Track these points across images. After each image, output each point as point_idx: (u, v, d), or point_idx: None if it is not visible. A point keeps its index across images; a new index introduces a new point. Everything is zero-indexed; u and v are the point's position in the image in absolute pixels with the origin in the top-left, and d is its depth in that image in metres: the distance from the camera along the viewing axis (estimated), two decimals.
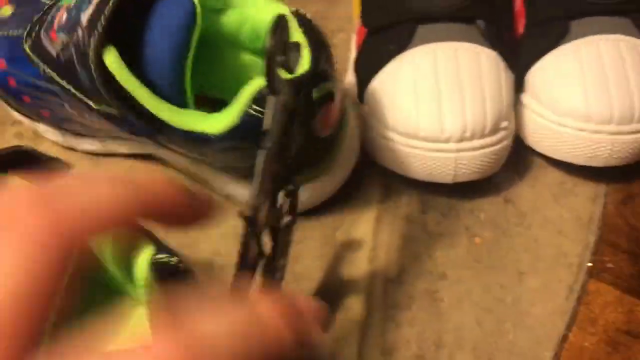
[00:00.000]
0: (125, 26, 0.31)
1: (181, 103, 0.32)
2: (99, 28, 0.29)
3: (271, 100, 0.26)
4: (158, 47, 0.31)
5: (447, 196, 0.38)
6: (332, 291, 0.35)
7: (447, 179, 0.36)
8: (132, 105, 0.31)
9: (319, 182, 0.36)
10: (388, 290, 0.35)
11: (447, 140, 0.35)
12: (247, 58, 0.36)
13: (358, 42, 0.40)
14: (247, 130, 0.30)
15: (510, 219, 0.38)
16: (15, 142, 0.40)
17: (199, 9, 0.31)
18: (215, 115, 0.31)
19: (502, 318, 0.34)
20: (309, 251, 0.36)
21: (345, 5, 0.48)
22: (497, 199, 0.39)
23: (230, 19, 0.34)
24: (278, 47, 0.26)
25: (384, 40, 0.38)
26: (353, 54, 0.41)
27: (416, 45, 0.37)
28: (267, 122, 0.25)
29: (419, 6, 0.37)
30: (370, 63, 0.38)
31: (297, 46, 0.28)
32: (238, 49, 0.36)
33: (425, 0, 0.37)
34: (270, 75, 0.26)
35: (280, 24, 0.27)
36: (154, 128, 0.32)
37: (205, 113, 0.32)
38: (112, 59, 0.30)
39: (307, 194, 0.35)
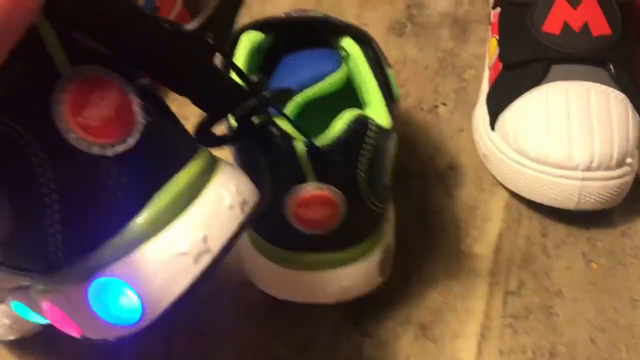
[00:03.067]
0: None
1: None
2: None
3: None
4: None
5: (567, 223, 0.41)
6: (453, 293, 0.38)
7: (570, 205, 0.39)
8: None
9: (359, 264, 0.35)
10: (507, 301, 0.38)
11: (574, 168, 0.38)
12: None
13: (493, 76, 0.44)
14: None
15: (627, 250, 0.40)
16: None
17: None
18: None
19: (615, 338, 0.37)
20: (433, 261, 0.40)
21: (475, 44, 0.52)
22: (614, 231, 0.41)
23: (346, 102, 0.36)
24: None
25: (519, 75, 0.42)
26: (485, 87, 0.45)
27: (550, 81, 0.41)
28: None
29: (555, 47, 0.41)
30: (504, 94, 0.42)
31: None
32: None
33: (561, 43, 0.41)
34: None
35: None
36: None
37: None
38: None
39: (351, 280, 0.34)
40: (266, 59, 0.37)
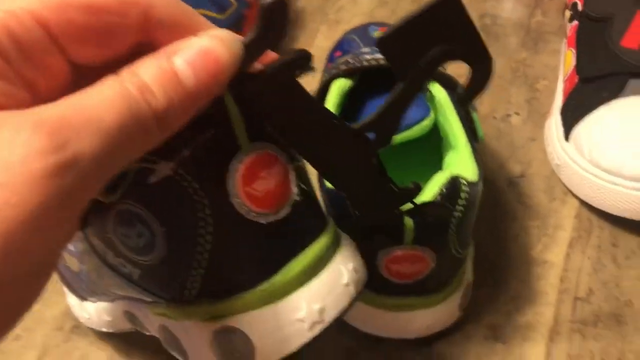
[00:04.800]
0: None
1: None
2: None
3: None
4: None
5: (637, 234, 0.42)
6: (523, 298, 0.40)
7: None
8: None
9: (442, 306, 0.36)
10: (577, 307, 0.39)
11: None
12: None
13: (568, 88, 0.45)
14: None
15: None
16: None
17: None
18: None
19: None
20: (504, 266, 0.41)
21: (547, 55, 0.53)
22: None
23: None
24: None
25: (595, 89, 0.43)
26: (559, 99, 0.46)
27: (627, 95, 0.42)
28: None
29: (634, 62, 0.42)
30: (580, 106, 0.43)
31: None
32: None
33: (639, 58, 0.42)
34: None
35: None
36: None
37: None
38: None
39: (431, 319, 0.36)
40: (350, 100, 0.38)
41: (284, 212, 0.25)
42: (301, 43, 0.55)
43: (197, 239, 0.24)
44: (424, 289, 0.35)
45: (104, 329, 0.36)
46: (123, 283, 0.28)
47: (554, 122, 0.46)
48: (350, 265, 0.27)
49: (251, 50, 0.22)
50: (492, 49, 0.54)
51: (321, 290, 0.26)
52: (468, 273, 0.38)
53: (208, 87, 0.21)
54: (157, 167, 0.23)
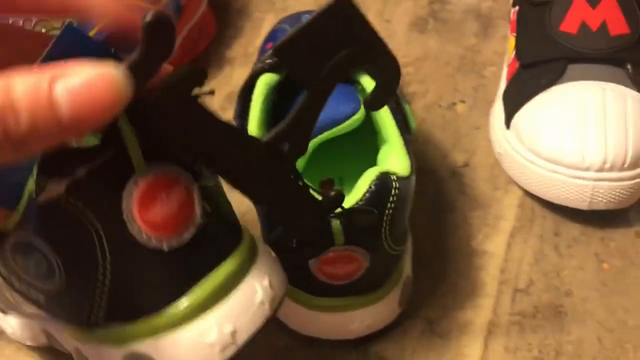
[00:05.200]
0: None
1: None
2: None
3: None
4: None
5: (580, 222, 0.41)
6: (462, 290, 0.39)
7: (583, 205, 0.39)
8: None
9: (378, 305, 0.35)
10: (516, 298, 0.38)
11: (587, 169, 0.38)
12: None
13: (510, 73, 0.44)
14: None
15: None
16: None
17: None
18: None
19: (623, 339, 0.37)
20: (443, 258, 0.40)
21: (497, 41, 0.52)
22: (628, 232, 0.41)
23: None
24: None
25: (535, 74, 0.42)
26: (503, 85, 0.45)
27: (565, 81, 0.41)
28: None
29: (572, 47, 0.41)
30: (520, 93, 0.42)
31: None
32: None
33: (578, 42, 0.41)
34: None
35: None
36: None
37: None
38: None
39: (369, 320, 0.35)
40: (280, 95, 0.37)
41: (187, 235, 0.24)
42: (247, 33, 0.54)
43: (96, 266, 0.24)
44: (361, 288, 0.34)
45: (28, 343, 0.35)
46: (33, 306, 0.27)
47: (498, 110, 0.45)
48: (266, 282, 0.26)
49: (138, 72, 0.21)
50: (441, 36, 0.54)
51: (233, 311, 0.25)
52: (407, 268, 0.37)
53: (83, 121, 0.19)
54: (47, 188, 0.23)
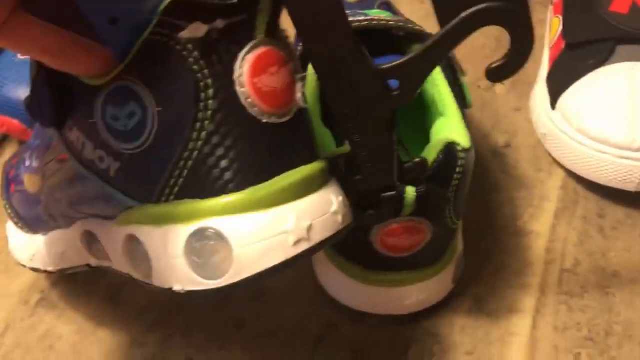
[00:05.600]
0: None
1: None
2: None
3: None
4: None
5: (625, 205, 0.41)
6: (509, 269, 0.39)
7: (630, 187, 0.39)
8: None
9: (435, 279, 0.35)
10: (563, 279, 0.38)
11: (637, 150, 0.38)
12: None
13: (554, 55, 0.44)
14: None
15: None
16: None
17: None
18: None
19: None
20: (489, 237, 0.40)
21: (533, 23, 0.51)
22: None
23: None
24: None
25: (583, 55, 0.42)
26: (545, 67, 0.45)
27: (615, 62, 0.40)
28: None
29: (623, 27, 0.41)
30: (567, 74, 0.42)
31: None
32: None
33: (629, 22, 0.41)
34: None
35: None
36: None
37: None
38: None
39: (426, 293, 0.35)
40: None
41: (286, 117, 0.24)
42: None
43: (194, 124, 0.23)
44: (419, 263, 0.34)
45: (50, 268, 0.34)
46: (93, 191, 0.26)
47: (540, 91, 0.44)
48: (340, 198, 0.26)
49: None
50: None
51: (311, 209, 0.24)
52: (459, 244, 0.36)
53: None
54: (186, 27, 0.22)
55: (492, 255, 0.39)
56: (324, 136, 0.34)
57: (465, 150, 0.31)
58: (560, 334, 0.36)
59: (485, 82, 0.48)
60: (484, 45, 0.50)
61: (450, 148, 0.30)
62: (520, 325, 0.36)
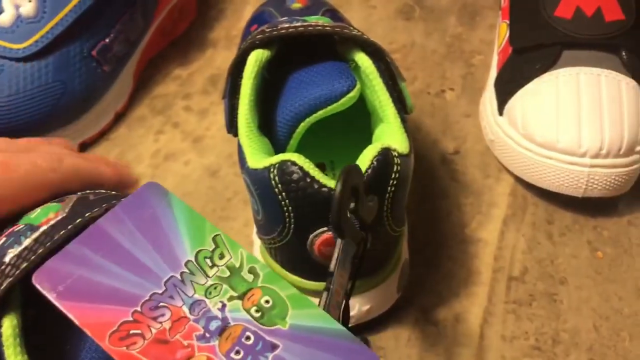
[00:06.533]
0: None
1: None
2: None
3: (338, 243, 0.27)
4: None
5: (573, 211, 0.41)
6: (456, 278, 0.38)
7: (577, 192, 0.39)
8: None
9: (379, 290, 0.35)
10: (511, 287, 0.38)
11: (583, 155, 0.38)
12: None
13: (502, 61, 0.44)
14: None
15: (633, 240, 0.40)
16: None
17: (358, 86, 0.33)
18: None
19: (618, 327, 0.36)
20: (437, 245, 0.39)
21: (483, 30, 0.51)
22: (620, 220, 0.41)
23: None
24: (348, 193, 0.26)
25: (529, 60, 0.41)
26: (493, 72, 0.45)
27: (561, 67, 0.40)
28: (332, 264, 0.26)
29: (567, 32, 0.40)
30: (513, 79, 0.42)
31: (372, 199, 0.29)
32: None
33: (573, 28, 0.40)
34: (337, 218, 0.26)
35: (353, 170, 0.27)
36: None
37: None
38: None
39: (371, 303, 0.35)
40: (270, 71, 0.35)
41: None
42: (229, 15, 0.52)
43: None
44: (361, 272, 0.33)
45: None
46: None
47: (488, 97, 0.44)
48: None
49: None
50: (427, 24, 0.53)
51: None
52: (404, 252, 0.36)
53: None
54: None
55: (439, 263, 0.38)
56: (262, 144, 0.33)
57: (401, 156, 0.30)
58: (508, 343, 0.35)
59: (435, 88, 0.48)
60: (434, 52, 0.50)
61: (385, 153, 0.30)
62: (468, 336, 0.36)
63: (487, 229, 0.40)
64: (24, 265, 0.24)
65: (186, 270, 0.24)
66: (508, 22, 0.44)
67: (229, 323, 0.23)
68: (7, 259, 0.25)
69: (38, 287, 0.23)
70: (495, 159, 0.43)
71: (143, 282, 0.24)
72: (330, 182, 0.29)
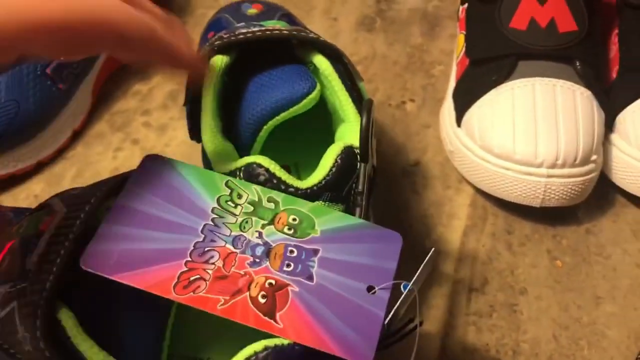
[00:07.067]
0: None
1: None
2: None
3: (362, 167, 0.30)
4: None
5: (532, 220, 0.41)
6: (418, 292, 0.38)
7: (535, 202, 0.39)
8: None
9: None
10: (471, 298, 0.38)
11: (539, 165, 0.38)
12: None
13: (459, 71, 0.44)
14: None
15: (591, 248, 0.40)
16: None
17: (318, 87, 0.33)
18: None
19: (578, 335, 0.36)
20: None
21: (444, 40, 0.52)
22: (579, 229, 0.41)
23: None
24: (372, 123, 0.30)
25: (485, 71, 0.42)
26: (452, 83, 0.45)
27: (516, 78, 0.41)
28: (360, 184, 0.30)
29: (522, 43, 0.41)
30: (470, 90, 0.42)
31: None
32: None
33: (528, 39, 0.41)
34: (365, 144, 0.29)
35: (372, 104, 0.30)
36: None
37: None
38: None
39: None
40: (231, 76, 0.35)
41: None
42: (189, 29, 0.52)
43: None
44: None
45: None
46: None
47: (447, 108, 0.44)
48: None
49: None
50: (388, 35, 0.53)
51: None
52: None
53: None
54: None
55: (399, 276, 0.38)
56: (227, 149, 0.33)
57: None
58: (469, 355, 0.36)
59: (396, 100, 0.48)
60: (395, 63, 0.50)
61: (348, 152, 0.30)
62: (429, 349, 0.36)
63: (447, 241, 0.40)
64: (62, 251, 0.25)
65: (215, 216, 0.27)
66: (465, 33, 0.44)
67: (271, 245, 0.26)
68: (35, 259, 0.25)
69: (90, 270, 0.24)
70: (455, 170, 0.43)
71: (182, 237, 0.26)
72: (296, 183, 0.29)
